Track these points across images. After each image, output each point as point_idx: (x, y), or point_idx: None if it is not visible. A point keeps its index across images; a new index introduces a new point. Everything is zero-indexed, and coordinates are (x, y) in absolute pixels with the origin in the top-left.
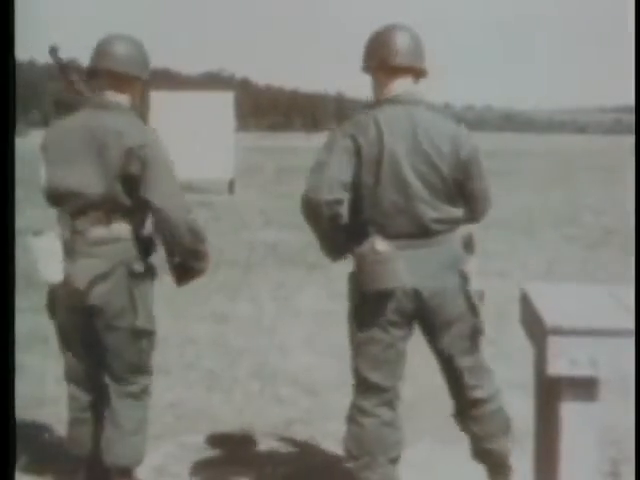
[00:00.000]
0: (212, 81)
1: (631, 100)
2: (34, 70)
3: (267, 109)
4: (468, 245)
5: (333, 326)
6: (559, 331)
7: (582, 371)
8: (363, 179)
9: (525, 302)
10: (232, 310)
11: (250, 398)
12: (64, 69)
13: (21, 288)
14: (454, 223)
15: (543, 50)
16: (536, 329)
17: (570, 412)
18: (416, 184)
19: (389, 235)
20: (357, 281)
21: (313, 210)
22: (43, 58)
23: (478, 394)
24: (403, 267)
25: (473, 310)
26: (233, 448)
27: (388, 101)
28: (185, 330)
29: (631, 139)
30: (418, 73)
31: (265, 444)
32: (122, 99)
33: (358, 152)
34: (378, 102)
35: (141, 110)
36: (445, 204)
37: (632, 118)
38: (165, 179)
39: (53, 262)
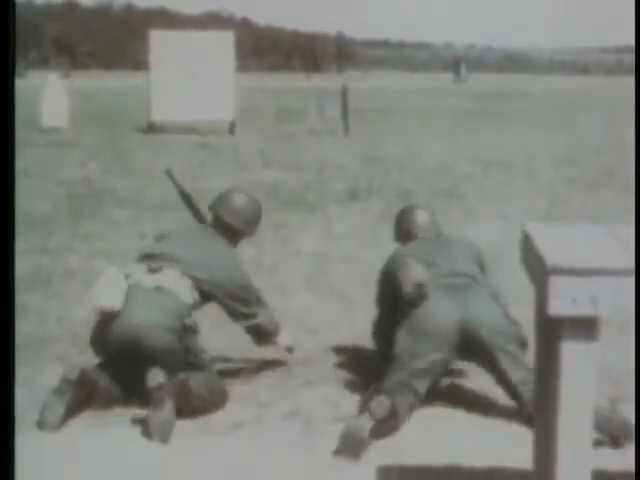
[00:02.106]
0: (212, 21)
1: (633, 40)
2: (33, 10)
3: (267, 49)
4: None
5: (333, 266)
6: (560, 271)
7: (583, 310)
8: None
9: (526, 242)
10: None
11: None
12: (184, 197)
13: (21, 229)
14: None
15: None
16: (537, 269)
17: (570, 351)
18: None
19: None
20: None
21: None
22: None
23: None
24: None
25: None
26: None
27: None
28: None
29: (632, 80)
30: None
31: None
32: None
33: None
34: None
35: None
36: None
37: (634, 58)
38: None
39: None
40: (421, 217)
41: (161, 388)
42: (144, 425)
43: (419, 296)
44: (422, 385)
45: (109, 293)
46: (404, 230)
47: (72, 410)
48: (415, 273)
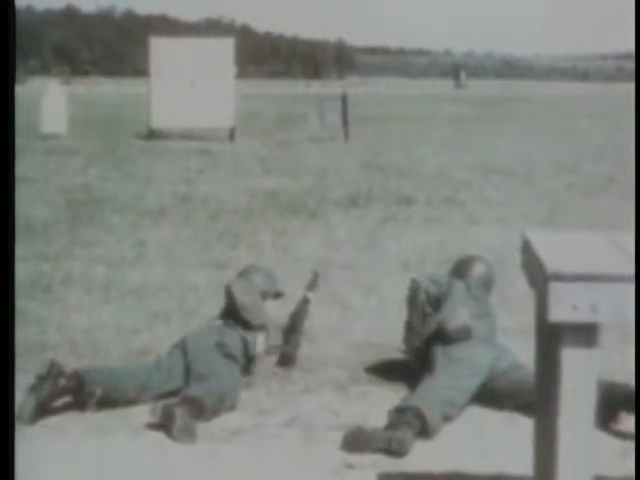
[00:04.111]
0: (212, 28)
1: (633, 47)
2: (33, 16)
3: (267, 56)
4: None
5: (333, 273)
6: (560, 277)
7: (583, 317)
8: None
9: (526, 249)
10: (232, 257)
11: None
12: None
13: (21, 235)
14: None
15: None
16: (537, 275)
17: (571, 358)
18: None
19: None
20: None
21: None
22: (41, 4)
23: None
24: None
25: None
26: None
27: None
28: (185, 277)
29: (633, 86)
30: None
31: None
32: None
33: None
34: None
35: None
36: None
37: (634, 65)
38: None
39: None
40: (479, 268)
41: (166, 411)
42: (167, 433)
43: (465, 336)
44: None
45: None
46: (460, 273)
47: (46, 405)
48: (462, 315)
